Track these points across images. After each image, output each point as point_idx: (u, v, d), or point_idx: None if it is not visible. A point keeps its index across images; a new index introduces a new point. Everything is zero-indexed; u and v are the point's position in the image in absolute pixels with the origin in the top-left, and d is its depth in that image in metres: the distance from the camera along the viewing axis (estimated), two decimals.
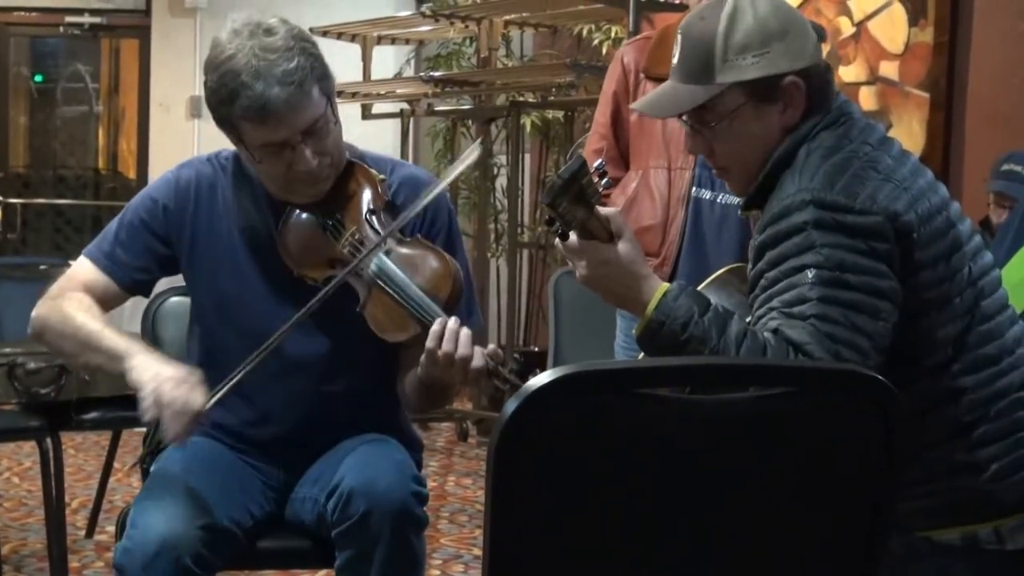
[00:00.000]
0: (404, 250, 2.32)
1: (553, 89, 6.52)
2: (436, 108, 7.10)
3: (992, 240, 4.20)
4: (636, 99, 2.97)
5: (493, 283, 6.99)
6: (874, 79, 5.10)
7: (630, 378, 1.46)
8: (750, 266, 1.96)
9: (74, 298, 2.33)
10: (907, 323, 1.89)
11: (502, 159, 6.87)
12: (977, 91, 4.86)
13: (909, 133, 4.92)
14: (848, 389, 1.53)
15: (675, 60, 2.04)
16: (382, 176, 2.39)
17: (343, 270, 2.28)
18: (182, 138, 8.14)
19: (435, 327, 2.17)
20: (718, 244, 2.94)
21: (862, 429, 1.52)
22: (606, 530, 1.48)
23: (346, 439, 2.37)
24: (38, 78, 9.44)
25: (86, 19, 8.59)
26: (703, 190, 2.97)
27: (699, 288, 2.19)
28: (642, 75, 3.07)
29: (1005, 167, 4.31)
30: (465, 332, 2.16)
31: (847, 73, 5.15)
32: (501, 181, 6.96)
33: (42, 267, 5.00)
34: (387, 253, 2.30)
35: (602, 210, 1.92)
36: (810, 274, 1.83)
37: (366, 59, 6.81)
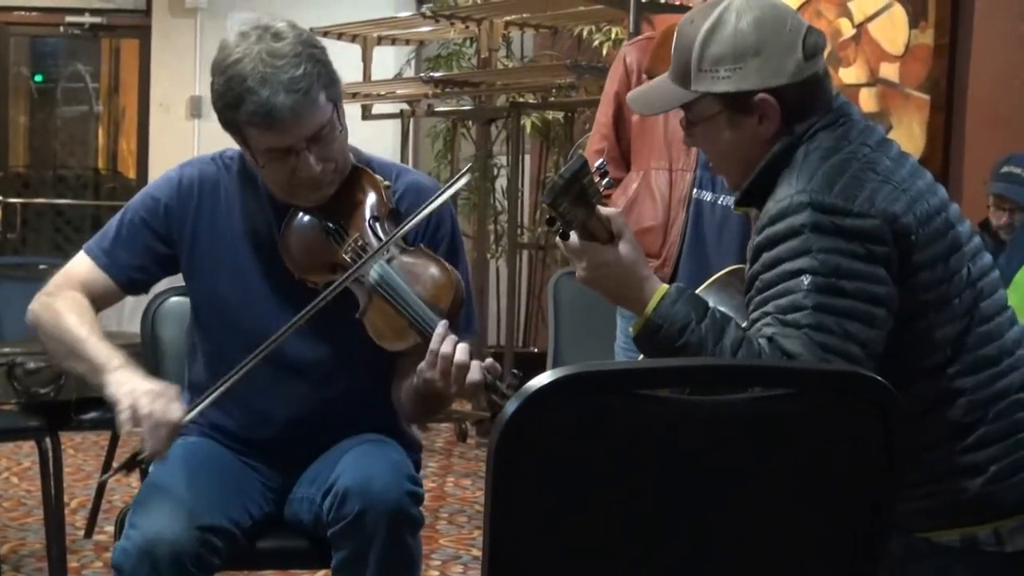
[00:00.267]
0: (406, 259, 2.31)
1: (553, 90, 6.52)
2: (436, 109, 7.10)
3: (992, 242, 4.21)
4: None
5: (493, 284, 6.99)
6: (874, 81, 5.10)
7: (630, 379, 1.46)
8: (747, 267, 1.96)
9: (68, 297, 2.33)
10: (905, 324, 1.89)
11: (502, 160, 6.87)
12: (977, 93, 4.86)
13: (909, 135, 4.92)
14: (848, 390, 1.53)
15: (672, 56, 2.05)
16: (387, 182, 2.39)
17: (344, 276, 2.27)
18: (182, 138, 8.14)
19: (438, 331, 2.17)
20: (719, 246, 2.94)
21: (862, 430, 1.52)
22: (606, 531, 1.48)
23: (344, 440, 2.36)
24: (38, 78, 9.44)
25: (86, 19, 8.59)
26: (704, 191, 2.98)
27: (700, 289, 2.19)
28: (644, 75, 3.07)
29: (1005, 169, 4.31)
30: (463, 346, 2.15)
31: (847, 75, 5.15)
32: (501, 182, 6.96)
33: (42, 267, 4.99)
34: (389, 261, 2.29)
35: (603, 210, 1.92)
36: (806, 281, 1.82)
37: (366, 59, 6.81)
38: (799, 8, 5.25)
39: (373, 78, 6.89)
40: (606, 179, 1.92)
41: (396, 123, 7.25)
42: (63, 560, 3.68)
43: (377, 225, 2.34)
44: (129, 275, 2.39)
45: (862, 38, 5.14)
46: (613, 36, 6.41)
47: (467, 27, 6.44)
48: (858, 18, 5.15)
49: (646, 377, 1.48)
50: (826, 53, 2.02)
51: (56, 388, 3.66)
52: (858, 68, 5.14)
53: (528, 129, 6.77)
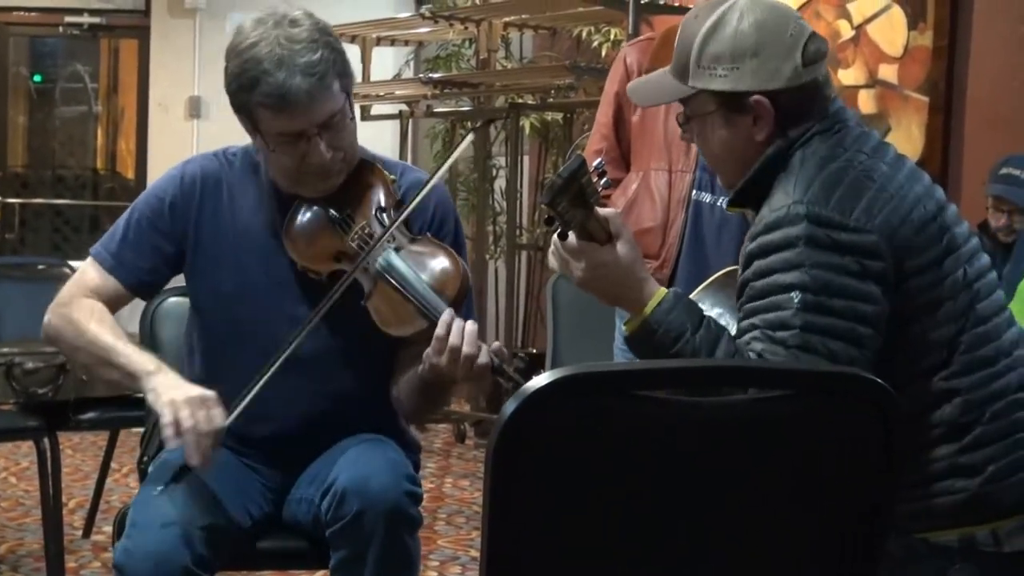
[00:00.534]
0: (413, 247, 2.33)
1: (552, 91, 6.53)
2: (435, 110, 7.10)
3: (991, 244, 4.21)
4: None
5: (491, 285, 6.99)
6: (873, 82, 5.10)
7: (629, 380, 1.46)
8: (739, 271, 1.96)
9: (84, 306, 2.33)
10: (899, 329, 1.90)
11: (501, 161, 6.88)
12: (976, 95, 4.86)
13: (908, 137, 4.92)
14: (846, 391, 1.53)
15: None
16: (393, 176, 2.41)
17: (349, 264, 2.29)
18: (181, 138, 8.14)
19: (444, 317, 2.18)
20: (718, 247, 2.94)
21: (860, 431, 1.52)
22: (604, 531, 1.48)
23: (343, 439, 2.36)
24: (37, 78, 9.44)
25: (85, 19, 8.59)
26: (703, 193, 2.97)
27: (698, 290, 2.20)
28: (645, 75, 3.07)
29: (1004, 171, 4.31)
30: (470, 330, 2.16)
31: (846, 76, 5.15)
32: (500, 183, 6.96)
33: (40, 267, 5.00)
34: (396, 249, 2.30)
35: (601, 211, 1.92)
36: (795, 298, 1.83)
37: (365, 60, 6.81)
38: (798, 9, 5.25)
39: (372, 79, 6.89)
40: (604, 179, 1.92)
41: (395, 124, 7.25)
42: (61, 560, 3.68)
43: (384, 216, 2.35)
44: (138, 277, 2.39)
45: (861, 39, 5.14)
46: (612, 37, 6.41)
47: (466, 28, 6.44)
48: (857, 19, 5.16)
49: (645, 378, 1.48)
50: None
51: (54, 388, 3.67)
52: (857, 69, 5.15)
53: (527, 130, 6.77)
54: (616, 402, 1.43)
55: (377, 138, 6.95)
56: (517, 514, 1.43)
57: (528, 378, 2.09)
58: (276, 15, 2.25)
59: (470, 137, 2.45)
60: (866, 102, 5.11)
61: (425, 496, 2.33)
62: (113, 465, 4.62)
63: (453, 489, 5.34)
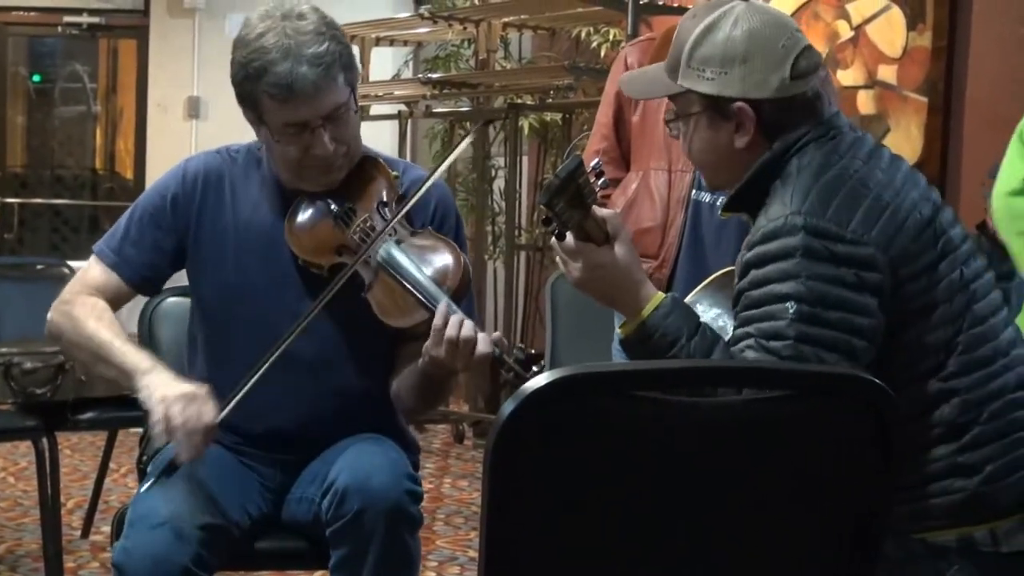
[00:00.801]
0: (415, 240, 2.34)
1: (551, 91, 6.53)
2: (434, 110, 7.10)
3: (989, 244, 4.20)
4: (638, 100, 2.98)
5: (490, 285, 6.99)
6: (872, 83, 5.11)
7: (627, 380, 1.46)
8: (736, 280, 1.96)
9: (86, 303, 2.34)
10: (896, 333, 1.90)
11: (500, 161, 6.87)
12: (975, 95, 4.87)
13: (907, 137, 4.92)
14: (844, 392, 1.53)
15: None
16: (396, 173, 2.42)
17: (351, 257, 2.29)
18: (180, 139, 8.14)
19: (441, 307, 2.18)
20: (717, 247, 2.94)
21: (858, 432, 1.52)
22: (603, 532, 1.48)
23: (342, 439, 2.36)
24: (36, 78, 9.43)
25: (84, 19, 8.59)
26: (703, 193, 2.97)
27: (697, 290, 2.20)
28: (641, 69, 3.06)
29: None
30: (470, 321, 2.17)
31: (845, 77, 5.15)
32: (499, 183, 6.96)
33: (39, 267, 5.00)
34: (397, 242, 2.31)
35: (599, 212, 1.92)
36: (791, 308, 1.83)
37: (364, 60, 6.81)
38: (797, 10, 5.26)
39: (371, 79, 6.89)
40: (602, 179, 1.92)
41: (394, 124, 7.24)
42: (59, 560, 3.68)
43: (386, 210, 2.37)
44: (141, 273, 2.40)
45: (860, 40, 5.14)
46: (611, 38, 6.41)
47: (465, 28, 6.45)
48: (856, 20, 5.16)
49: (644, 379, 1.48)
50: (824, 57, 2.03)
51: (53, 388, 3.67)
52: (856, 70, 5.15)
53: (526, 130, 6.77)
54: (614, 403, 1.43)
55: (376, 138, 6.92)
56: (515, 514, 1.43)
57: (528, 368, 2.11)
58: (282, 8, 2.28)
59: (471, 136, 2.47)
60: (865, 103, 5.11)
61: (424, 496, 2.33)
62: (112, 465, 4.62)
63: (452, 489, 5.34)
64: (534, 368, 2.13)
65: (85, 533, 4.36)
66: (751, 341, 1.86)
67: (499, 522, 1.42)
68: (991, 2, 4.84)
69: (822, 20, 5.21)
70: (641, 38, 3.35)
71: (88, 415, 3.79)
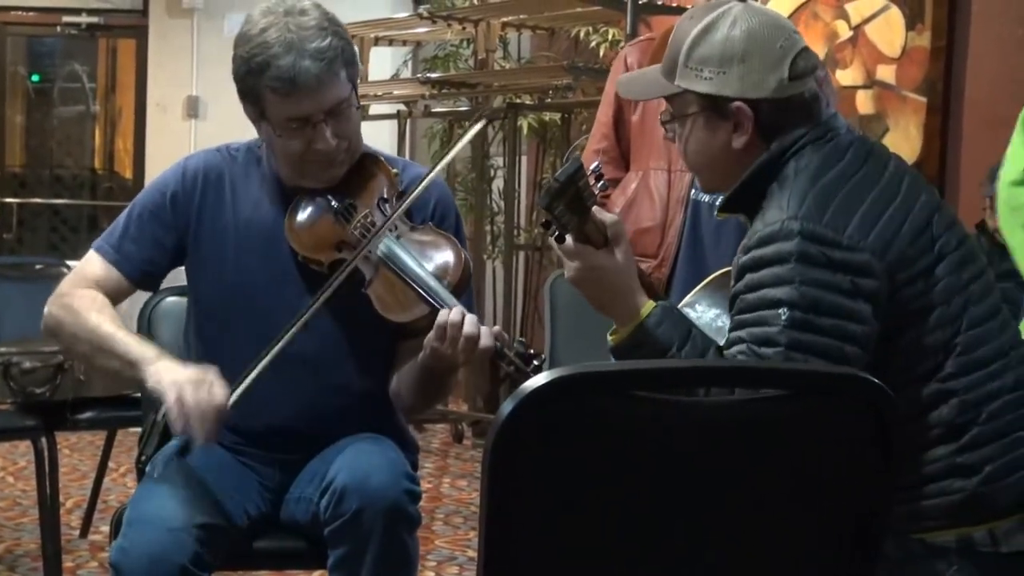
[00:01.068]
0: (415, 235, 2.35)
1: (550, 91, 6.52)
2: (433, 110, 7.10)
3: (988, 244, 4.21)
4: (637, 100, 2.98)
5: (489, 285, 6.99)
6: (871, 83, 5.11)
7: (626, 380, 1.46)
8: (732, 282, 1.96)
9: (86, 296, 2.34)
10: (893, 337, 1.90)
11: (499, 161, 6.87)
12: (974, 95, 4.87)
13: (906, 137, 4.93)
14: (844, 392, 1.53)
15: None
16: (396, 170, 2.43)
17: (351, 253, 2.30)
18: (179, 138, 8.13)
19: (445, 300, 2.20)
20: (716, 247, 2.94)
21: (858, 432, 1.52)
22: (602, 531, 1.48)
23: (341, 437, 2.36)
24: (35, 78, 9.43)
25: (83, 19, 8.58)
26: (702, 193, 2.97)
27: (696, 290, 2.20)
28: (639, 70, 3.07)
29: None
30: (471, 315, 2.18)
31: (844, 77, 5.15)
32: (497, 183, 6.96)
33: (38, 267, 4.99)
34: (398, 237, 2.32)
35: (600, 215, 1.93)
36: (783, 315, 1.83)
37: (363, 60, 6.80)
38: (796, 10, 5.26)
39: (370, 79, 6.89)
40: (601, 182, 1.92)
41: (393, 124, 7.25)
42: (58, 560, 3.68)
43: (386, 206, 2.38)
44: (141, 268, 2.40)
45: (859, 40, 5.14)
46: (610, 37, 6.41)
47: (464, 28, 6.44)
48: (855, 20, 5.16)
49: (643, 378, 1.48)
50: (823, 57, 2.03)
51: (52, 388, 3.67)
52: (855, 70, 5.15)
53: (525, 130, 6.77)
54: (613, 402, 1.43)
55: (375, 137, 6.89)
56: (515, 514, 1.43)
57: (528, 363, 2.12)
58: (285, 5, 2.29)
59: (478, 126, 2.47)
60: (864, 102, 5.11)
61: (423, 496, 2.34)
62: (110, 465, 4.62)
63: (451, 489, 5.34)
64: (535, 363, 2.14)
65: (84, 533, 4.36)
66: (743, 346, 1.86)
67: (498, 522, 1.42)
68: (990, 2, 4.84)
69: (821, 20, 5.21)
70: (641, 38, 3.36)
71: (87, 415, 3.79)
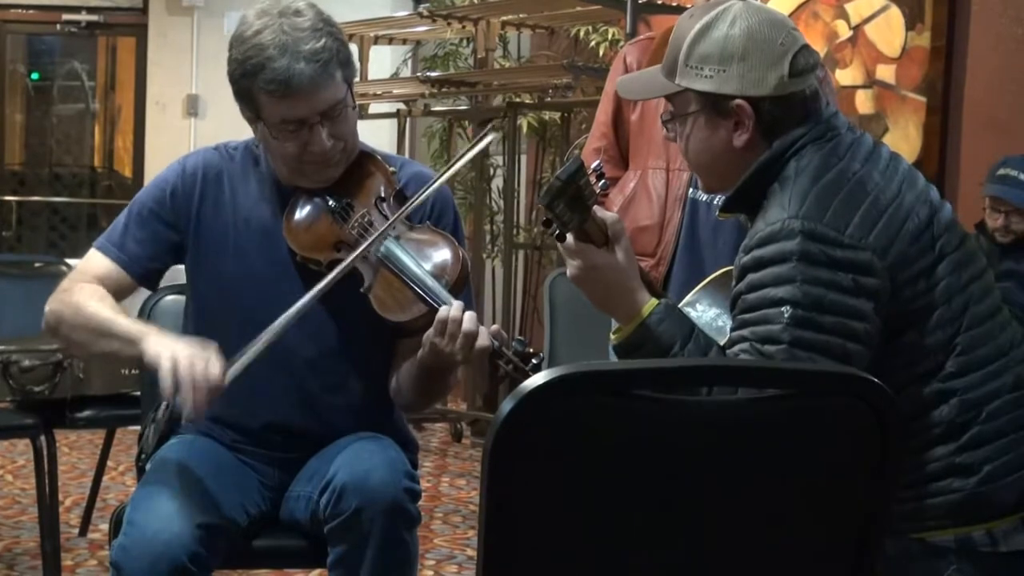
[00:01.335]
0: (413, 235, 2.35)
1: (550, 90, 6.52)
2: (433, 108, 7.10)
3: (988, 244, 4.21)
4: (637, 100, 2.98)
5: (488, 284, 6.99)
6: (871, 83, 5.11)
7: (626, 379, 1.46)
8: (733, 283, 1.96)
9: (86, 289, 2.34)
10: (894, 336, 1.90)
11: (498, 160, 6.87)
12: (974, 95, 4.87)
13: (905, 137, 4.93)
14: (844, 392, 1.53)
15: None
16: (393, 168, 2.43)
17: (349, 253, 2.30)
18: (178, 136, 8.13)
19: (444, 298, 2.20)
20: (714, 245, 2.94)
21: (858, 432, 1.52)
22: (601, 531, 1.48)
23: (341, 436, 2.36)
24: (34, 76, 9.42)
25: (83, 17, 8.58)
26: (700, 192, 2.97)
27: (696, 290, 2.20)
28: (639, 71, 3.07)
29: (1001, 172, 4.32)
30: (470, 313, 2.18)
31: (843, 76, 5.15)
32: (497, 182, 6.96)
33: (37, 265, 4.99)
34: (396, 237, 2.32)
35: (600, 214, 1.93)
36: (786, 313, 1.83)
37: (363, 59, 6.80)
38: (796, 9, 5.26)
39: (370, 78, 6.89)
40: (602, 181, 1.92)
41: (392, 123, 7.24)
42: (57, 558, 3.69)
43: (384, 205, 2.38)
44: (143, 265, 2.40)
45: (858, 40, 5.14)
46: (610, 37, 6.41)
47: (464, 27, 6.44)
48: (855, 20, 5.16)
49: (643, 377, 1.48)
50: (823, 56, 2.03)
51: (51, 386, 3.67)
52: (854, 70, 5.15)
53: (524, 129, 6.77)
54: (613, 401, 1.43)
55: (375, 137, 6.91)
56: (514, 513, 1.43)
57: (527, 361, 2.13)
58: (280, 5, 2.29)
59: (488, 140, 2.46)
60: (864, 102, 5.11)
61: (422, 495, 2.34)
62: (110, 463, 4.62)
63: (450, 488, 5.34)
64: (533, 361, 2.15)
65: (83, 531, 4.36)
66: (746, 345, 1.86)
67: (497, 521, 1.42)
68: (989, 2, 4.84)
69: (821, 20, 5.21)
70: (640, 37, 3.36)
71: (86, 413, 3.80)
